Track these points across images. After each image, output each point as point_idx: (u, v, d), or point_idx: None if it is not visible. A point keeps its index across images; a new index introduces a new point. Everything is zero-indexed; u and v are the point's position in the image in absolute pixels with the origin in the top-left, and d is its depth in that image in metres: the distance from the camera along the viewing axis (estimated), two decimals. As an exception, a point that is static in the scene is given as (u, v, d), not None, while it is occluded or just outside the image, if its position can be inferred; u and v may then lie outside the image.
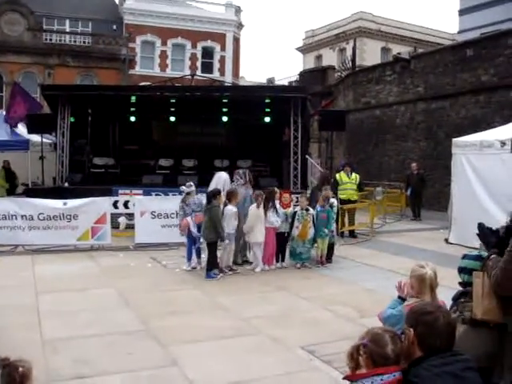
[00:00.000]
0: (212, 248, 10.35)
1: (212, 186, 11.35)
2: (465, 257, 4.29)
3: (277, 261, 11.36)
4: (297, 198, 13.27)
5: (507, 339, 3.44)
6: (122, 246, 13.13)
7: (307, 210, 11.44)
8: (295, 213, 11.47)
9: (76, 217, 12.97)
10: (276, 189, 11.99)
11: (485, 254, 4.10)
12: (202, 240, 10.83)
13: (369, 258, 12.51)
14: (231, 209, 10.56)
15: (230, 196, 10.65)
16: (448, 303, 4.22)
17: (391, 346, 2.68)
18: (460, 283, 4.30)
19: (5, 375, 2.46)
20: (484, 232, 3.85)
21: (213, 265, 10.31)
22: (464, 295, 4.08)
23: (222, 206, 10.60)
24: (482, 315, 3.48)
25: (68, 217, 12.98)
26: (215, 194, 10.52)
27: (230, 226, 10.51)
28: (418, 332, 2.70)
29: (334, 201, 12.29)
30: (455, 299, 4.19)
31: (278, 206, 11.40)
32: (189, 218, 11.12)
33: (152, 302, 8.46)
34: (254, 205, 10.92)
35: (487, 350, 3.47)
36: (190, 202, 11.27)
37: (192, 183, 11.78)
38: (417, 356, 2.68)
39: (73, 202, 13.20)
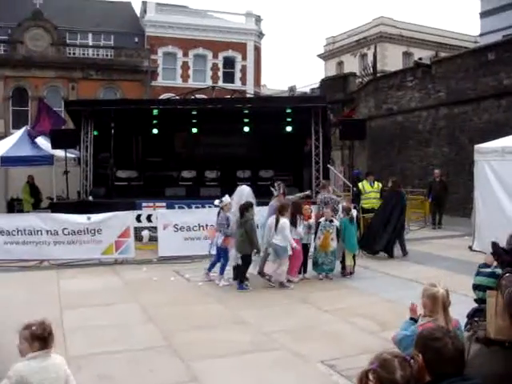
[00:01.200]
0: (246, 260, 10.55)
1: (235, 200, 11.50)
2: (479, 274, 4.31)
3: (299, 272, 11.38)
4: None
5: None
6: (145, 259, 13.28)
7: (331, 221, 11.47)
8: (319, 223, 11.53)
9: (100, 231, 13.16)
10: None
11: (499, 271, 4.11)
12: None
13: (391, 267, 12.46)
14: (285, 221, 10.63)
15: (282, 209, 10.75)
16: (463, 316, 4.25)
17: (400, 371, 2.70)
18: (475, 300, 4.31)
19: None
20: (498, 251, 3.85)
21: (244, 277, 10.53)
22: (479, 312, 4.10)
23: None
24: (496, 334, 3.48)
25: (92, 231, 13.17)
26: (247, 206, 10.68)
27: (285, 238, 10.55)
28: (427, 358, 2.73)
29: (354, 211, 12.29)
30: (470, 317, 4.21)
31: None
32: (217, 233, 11.28)
33: (174, 316, 8.54)
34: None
35: (502, 370, 3.47)
36: (221, 215, 11.38)
37: (226, 198, 11.70)
38: (426, 381, 2.70)
39: (96, 217, 13.37)
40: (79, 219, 13.37)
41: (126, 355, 6.81)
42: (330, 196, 13.54)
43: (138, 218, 14.37)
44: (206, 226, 13.63)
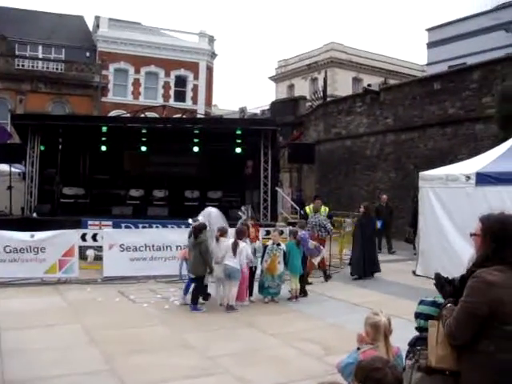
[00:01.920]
0: (201, 282, 10.53)
1: (201, 220, 11.54)
2: (421, 302, 4.37)
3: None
4: (266, 231, 13.35)
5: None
6: (89, 279, 12.99)
7: (278, 244, 11.47)
8: (266, 247, 11.54)
9: (43, 249, 12.82)
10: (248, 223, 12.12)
11: (440, 300, 4.20)
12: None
13: (337, 291, 12.57)
14: (246, 245, 10.70)
15: (240, 234, 10.77)
16: (405, 342, 4.31)
17: None
18: (416, 328, 4.38)
19: None
20: (440, 282, 3.94)
21: (197, 298, 10.51)
22: (420, 341, 4.17)
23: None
24: (436, 363, 3.55)
25: (35, 249, 12.81)
26: (201, 228, 10.70)
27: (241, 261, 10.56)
28: None
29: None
30: (411, 345, 4.28)
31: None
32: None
33: (118, 339, 8.38)
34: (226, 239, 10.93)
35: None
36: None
37: (199, 218, 11.73)
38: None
39: (40, 235, 13.05)
40: (22, 237, 12.99)
41: (66, 380, 6.63)
42: (323, 218, 14.16)
43: (84, 237, 14.06)
44: (153, 246, 13.51)
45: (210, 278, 10.94)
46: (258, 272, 11.69)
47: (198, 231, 10.65)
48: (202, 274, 10.54)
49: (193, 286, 10.71)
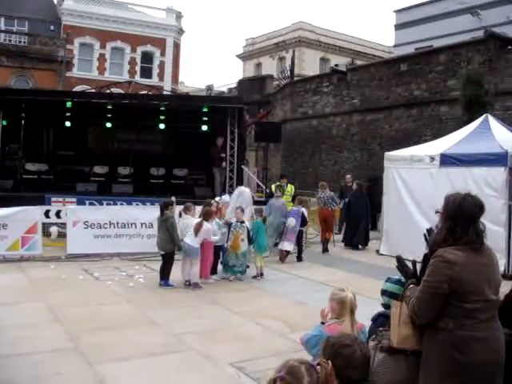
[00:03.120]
0: (170, 258, 10.58)
1: (232, 201, 12.71)
2: (387, 280, 4.46)
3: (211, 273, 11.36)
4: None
5: (422, 366, 3.58)
6: (53, 257, 12.85)
7: (242, 222, 11.48)
8: (230, 224, 11.52)
9: (5, 226, 12.61)
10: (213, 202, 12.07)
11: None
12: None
13: (301, 269, 12.68)
14: (209, 227, 10.60)
15: (207, 215, 10.68)
16: (368, 318, 4.39)
17: (307, 378, 2.75)
18: (382, 305, 4.47)
19: None
20: (402, 263, 4.00)
21: (168, 274, 10.55)
22: (382, 317, 4.26)
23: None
24: (398, 344, 3.62)
25: (-3, 226, 12.62)
26: (167, 205, 10.77)
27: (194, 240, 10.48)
28: (336, 364, 2.82)
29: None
30: (374, 320, 4.37)
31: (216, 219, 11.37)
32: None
33: (82, 316, 8.32)
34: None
35: (403, 377, 3.62)
36: None
37: (225, 197, 13.10)
38: (333, 387, 2.78)
39: (2, 211, 12.80)
40: (-17, 213, 12.78)
41: (30, 358, 6.55)
42: (330, 194, 15.81)
43: (47, 214, 13.89)
44: (117, 223, 13.42)
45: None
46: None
47: (164, 207, 10.69)
48: (171, 250, 10.58)
49: (162, 262, 10.72)
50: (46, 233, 13.92)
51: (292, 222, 13.62)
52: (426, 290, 3.48)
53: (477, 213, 3.58)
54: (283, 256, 13.64)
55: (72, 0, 40.47)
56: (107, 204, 15.54)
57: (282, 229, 13.70)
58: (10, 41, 37.42)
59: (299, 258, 13.97)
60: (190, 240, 10.41)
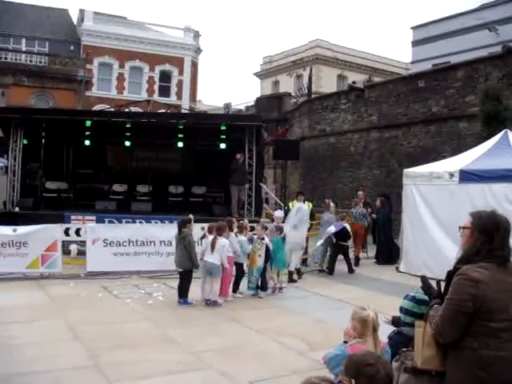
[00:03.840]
0: (188, 276, 10.55)
1: (291, 217, 13.46)
2: (405, 297, 4.43)
3: (233, 291, 11.40)
4: (251, 226, 13.35)
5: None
6: (72, 274, 12.91)
7: (262, 238, 11.51)
8: (252, 240, 11.58)
9: (26, 244, 12.72)
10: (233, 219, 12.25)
11: (420, 295, 4.25)
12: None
13: (320, 287, 12.60)
14: (225, 241, 10.62)
15: (220, 230, 10.68)
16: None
17: None
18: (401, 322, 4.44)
19: None
20: (427, 284, 3.97)
21: (187, 292, 10.51)
22: (397, 335, 4.23)
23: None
24: (422, 364, 3.57)
25: (17, 244, 12.70)
26: (185, 222, 10.77)
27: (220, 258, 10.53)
28: (359, 383, 2.78)
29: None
30: (390, 338, 4.33)
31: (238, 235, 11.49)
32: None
33: (102, 334, 8.33)
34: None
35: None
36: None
37: (278, 212, 14.26)
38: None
39: (23, 229, 12.93)
40: (4, 231, 12.87)
41: (49, 375, 6.56)
42: (362, 211, 16.80)
43: (67, 232, 13.98)
44: (136, 241, 13.46)
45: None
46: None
47: (183, 225, 10.70)
48: (189, 267, 10.56)
49: (180, 280, 10.71)
50: (66, 251, 14.01)
51: (332, 229, 14.35)
52: (450, 308, 3.43)
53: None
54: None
55: (91, 20, 41.02)
56: (126, 222, 15.64)
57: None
58: (30, 61, 37.94)
59: (351, 271, 14.80)
60: (210, 257, 10.40)
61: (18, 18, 39.14)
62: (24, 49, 39.21)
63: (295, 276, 13.39)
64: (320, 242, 14.68)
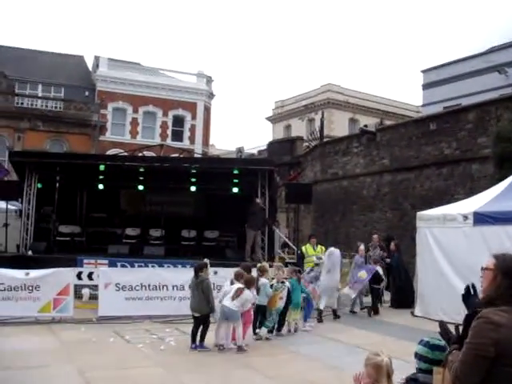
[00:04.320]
0: (206, 321, 10.52)
1: (325, 262, 13.87)
2: (420, 342, 4.34)
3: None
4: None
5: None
6: (84, 319, 12.81)
7: (283, 282, 11.76)
8: (272, 285, 11.69)
9: (38, 288, 12.69)
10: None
11: (434, 341, 4.15)
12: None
13: (334, 332, 12.41)
14: (251, 295, 10.68)
15: (248, 284, 10.73)
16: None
17: None
18: (416, 368, 4.34)
19: None
20: (445, 329, 3.87)
21: (203, 337, 10.42)
22: (411, 381, 4.13)
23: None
24: (443, 410, 3.47)
25: (30, 288, 12.68)
26: (201, 267, 10.80)
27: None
28: None
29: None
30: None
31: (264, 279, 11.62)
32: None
33: (113, 380, 8.23)
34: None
35: None
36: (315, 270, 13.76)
37: (321, 257, 14.34)
38: None
39: (35, 273, 12.94)
40: (17, 274, 12.89)
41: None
42: (380, 253, 17.02)
43: (79, 276, 13.96)
44: (149, 285, 13.38)
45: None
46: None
47: (199, 269, 10.69)
48: (206, 312, 10.51)
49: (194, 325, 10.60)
50: (78, 295, 13.96)
51: (364, 274, 14.77)
52: (470, 352, 3.33)
53: None
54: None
55: (106, 67, 41.76)
56: (139, 266, 15.60)
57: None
58: (46, 106, 38.54)
59: (375, 311, 15.00)
60: (228, 302, 10.29)
61: (34, 64, 39.97)
62: (40, 94, 39.89)
63: (332, 316, 14.07)
64: (353, 295, 14.89)
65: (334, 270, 13.98)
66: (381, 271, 15.21)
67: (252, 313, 11.16)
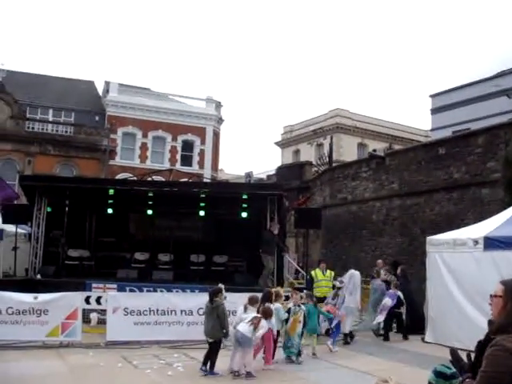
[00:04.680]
0: (217, 346, 10.50)
1: (346, 284, 14.16)
2: (433, 371, 4.28)
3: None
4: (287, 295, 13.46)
5: None
6: (92, 343, 12.75)
7: (299, 306, 11.95)
8: (289, 309, 11.87)
9: (46, 312, 12.67)
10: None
11: (442, 368, 4.08)
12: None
13: (344, 358, 12.27)
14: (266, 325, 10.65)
15: (266, 314, 10.75)
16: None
17: None
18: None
19: None
20: (457, 357, 3.81)
21: (214, 362, 10.38)
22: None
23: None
24: None
25: (38, 311, 12.67)
26: (217, 292, 10.78)
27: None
28: None
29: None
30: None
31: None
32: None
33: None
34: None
35: None
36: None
37: (343, 280, 14.40)
38: None
39: (44, 297, 12.93)
40: (25, 298, 12.89)
41: None
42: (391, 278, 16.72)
43: (87, 300, 13.92)
44: (157, 310, 13.31)
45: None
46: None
47: (214, 294, 10.67)
48: (220, 337, 10.50)
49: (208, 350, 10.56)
50: (86, 319, 13.90)
51: (388, 301, 14.98)
52: (485, 381, 3.26)
53: None
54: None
55: (116, 92, 42.15)
56: (147, 291, 15.57)
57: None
58: (56, 131, 38.87)
59: (406, 337, 15.13)
60: (242, 328, 10.23)
61: (45, 89, 40.44)
62: (51, 119, 40.29)
63: (348, 339, 14.19)
64: (380, 318, 15.14)
65: (355, 292, 14.36)
66: (401, 296, 15.27)
67: (271, 340, 11.11)
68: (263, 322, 10.42)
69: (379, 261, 19.22)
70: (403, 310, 15.51)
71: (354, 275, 14.59)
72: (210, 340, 10.51)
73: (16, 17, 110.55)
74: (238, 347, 10.33)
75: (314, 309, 12.60)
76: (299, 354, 11.75)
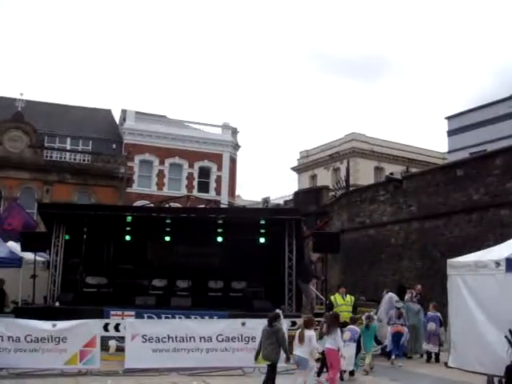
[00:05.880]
0: (275, 369, 10.62)
1: (384, 305, 16.04)
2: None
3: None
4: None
5: None
6: (110, 371, 12.65)
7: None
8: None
9: (65, 339, 12.63)
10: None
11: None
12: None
13: (366, 384, 12.09)
14: (312, 333, 11.01)
15: (308, 323, 11.22)
16: None
17: None
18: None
19: None
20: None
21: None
22: None
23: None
24: None
25: (56, 339, 12.63)
26: (276, 317, 11.00)
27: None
28: None
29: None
30: None
31: None
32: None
33: None
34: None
35: None
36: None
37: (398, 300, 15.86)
38: None
39: (62, 324, 12.89)
40: (44, 326, 12.86)
41: None
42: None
43: (106, 327, 13.87)
44: (176, 337, 13.20)
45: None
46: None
47: (273, 319, 10.80)
48: (276, 360, 10.57)
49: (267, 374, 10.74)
50: (105, 346, 13.83)
51: (432, 326, 15.21)
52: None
53: None
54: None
55: (133, 120, 42.56)
56: (166, 317, 15.47)
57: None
58: (74, 159, 39.19)
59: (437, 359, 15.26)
60: (299, 351, 10.65)
61: (64, 118, 40.98)
62: (69, 147, 40.66)
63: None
64: (436, 349, 15.27)
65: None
66: (441, 317, 15.43)
67: (335, 357, 11.38)
68: (307, 332, 10.82)
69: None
70: (442, 329, 15.59)
71: (393, 297, 16.00)
72: (268, 363, 10.63)
73: (36, 47, 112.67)
74: (300, 371, 10.79)
75: (366, 330, 13.73)
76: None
